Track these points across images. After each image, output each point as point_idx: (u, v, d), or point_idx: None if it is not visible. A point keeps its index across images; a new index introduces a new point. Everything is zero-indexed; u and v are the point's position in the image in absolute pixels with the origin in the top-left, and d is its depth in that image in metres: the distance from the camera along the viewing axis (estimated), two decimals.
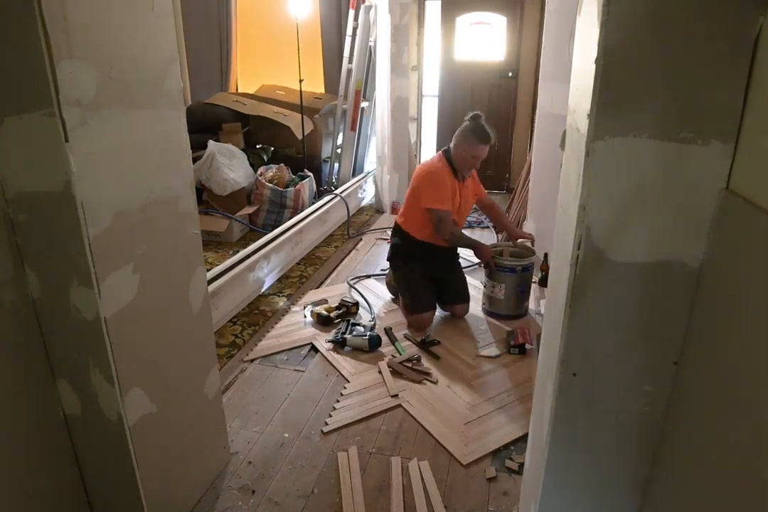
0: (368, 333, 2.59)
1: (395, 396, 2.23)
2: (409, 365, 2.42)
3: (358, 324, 2.76)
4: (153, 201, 1.35)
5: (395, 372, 2.38)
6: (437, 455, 1.93)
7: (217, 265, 2.88)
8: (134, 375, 1.35)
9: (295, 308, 3.00)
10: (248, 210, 4.04)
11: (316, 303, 2.94)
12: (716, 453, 0.90)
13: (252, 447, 1.95)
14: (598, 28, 0.87)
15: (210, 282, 2.60)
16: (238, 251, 3.28)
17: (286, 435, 2.02)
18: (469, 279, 3.09)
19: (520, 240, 3.01)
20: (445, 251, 2.90)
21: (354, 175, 5.10)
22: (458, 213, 2.82)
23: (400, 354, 2.53)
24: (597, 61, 0.88)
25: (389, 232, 4.30)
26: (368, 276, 3.44)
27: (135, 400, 1.36)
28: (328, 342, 2.61)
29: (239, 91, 5.49)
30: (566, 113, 1.20)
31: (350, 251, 3.94)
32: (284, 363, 2.48)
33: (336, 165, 5.04)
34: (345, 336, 2.61)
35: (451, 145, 2.73)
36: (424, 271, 2.85)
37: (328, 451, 1.94)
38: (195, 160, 3.73)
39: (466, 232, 4.35)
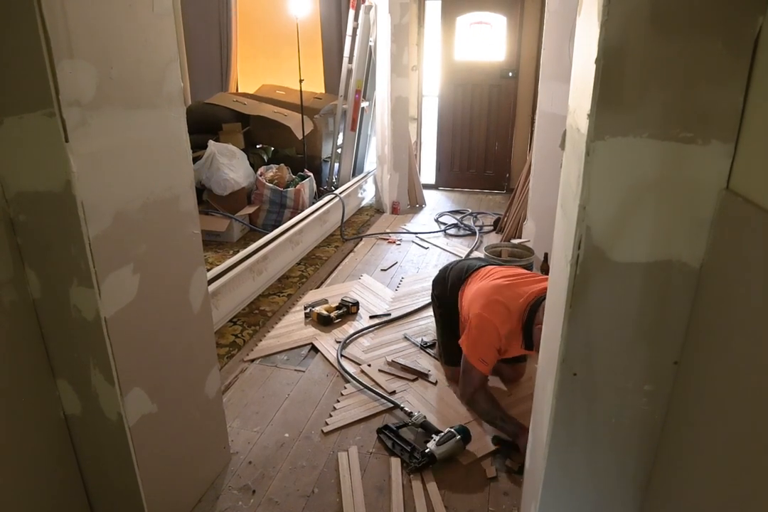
0: (450, 431, 1.87)
1: (393, 392, 2.24)
2: (403, 364, 2.42)
3: (404, 426, 1.99)
4: (153, 201, 1.35)
5: (390, 374, 2.38)
6: None
7: (218, 265, 2.88)
8: (134, 375, 1.35)
9: (295, 308, 3.00)
10: (248, 210, 4.04)
11: (316, 304, 2.94)
12: (716, 452, 0.90)
13: (252, 447, 1.95)
14: (598, 28, 0.87)
15: (210, 282, 2.60)
16: (238, 251, 3.28)
17: (287, 435, 2.02)
18: None
19: (518, 240, 3.01)
20: None
21: (354, 175, 5.10)
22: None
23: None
24: (597, 61, 0.88)
25: (389, 233, 4.31)
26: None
27: (135, 400, 1.36)
28: (411, 472, 1.82)
29: (239, 91, 5.49)
30: (566, 113, 1.20)
31: (350, 251, 3.94)
32: (284, 363, 2.48)
33: (336, 165, 5.04)
34: (429, 449, 1.83)
35: (539, 318, 1.88)
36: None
37: (329, 451, 1.94)
38: (195, 160, 3.73)
39: (456, 239, 4.36)
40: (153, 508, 1.47)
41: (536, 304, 1.91)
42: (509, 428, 1.93)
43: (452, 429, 1.88)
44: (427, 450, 1.84)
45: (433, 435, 1.91)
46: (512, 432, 1.91)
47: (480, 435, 2.00)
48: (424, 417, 2.01)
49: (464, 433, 1.87)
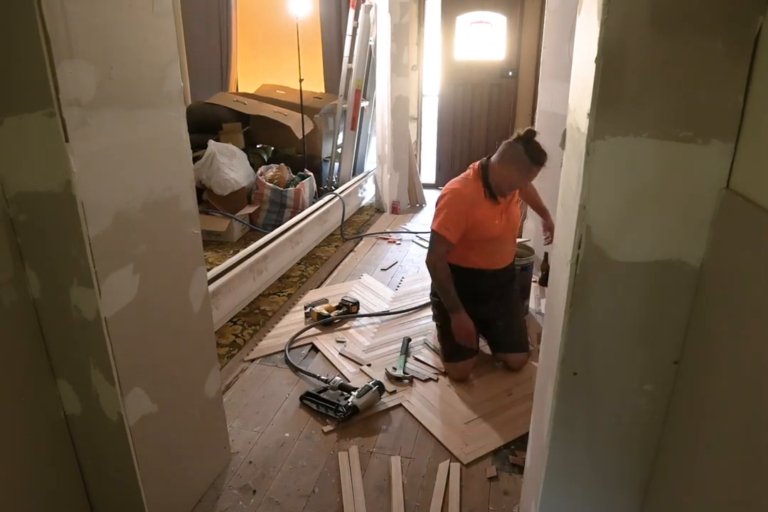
0: (366, 385, 2.12)
1: (393, 392, 2.24)
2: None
3: (324, 390, 2.18)
4: (153, 201, 1.35)
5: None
6: (438, 454, 1.92)
7: (218, 265, 2.88)
8: (134, 375, 1.35)
9: (295, 308, 3.00)
10: (248, 209, 4.04)
11: (316, 303, 2.94)
12: (716, 452, 0.90)
13: (252, 447, 1.95)
14: (598, 27, 0.87)
15: (210, 282, 2.60)
16: (238, 251, 3.28)
17: (287, 434, 2.02)
18: None
19: (518, 240, 3.00)
20: (498, 283, 2.46)
21: (354, 174, 5.10)
22: (505, 231, 2.40)
23: (397, 369, 2.34)
24: (597, 60, 0.88)
25: (390, 232, 4.31)
26: None
27: (135, 400, 1.36)
28: (339, 423, 2.05)
29: (239, 91, 5.49)
30: (566, 112, 1.20)
31: (350, 251, 3.94)
32: (285, 363, 2.48)
33: (336, 164, 5.04)
34: (351, 402, 2.06)
35: (492, 160, 2.24)
36: (469, 313, 2.31)
37: (329, 451, 1.94)
38: (195, 159, 3.73)
39: None
40: (153, 508, 1.47)
41: (486, 161, 2.27)
42: (449, 302, 2.27)
43: (368, 384, 2.12)
44: (349, 404, 2.06)
45: (353, 392, 2.11)
46: (449, 307, 2.26)
47: (481, 434, 2.00)
48: (340, 380, 2.23)
49: (379, 385, 2.13)
